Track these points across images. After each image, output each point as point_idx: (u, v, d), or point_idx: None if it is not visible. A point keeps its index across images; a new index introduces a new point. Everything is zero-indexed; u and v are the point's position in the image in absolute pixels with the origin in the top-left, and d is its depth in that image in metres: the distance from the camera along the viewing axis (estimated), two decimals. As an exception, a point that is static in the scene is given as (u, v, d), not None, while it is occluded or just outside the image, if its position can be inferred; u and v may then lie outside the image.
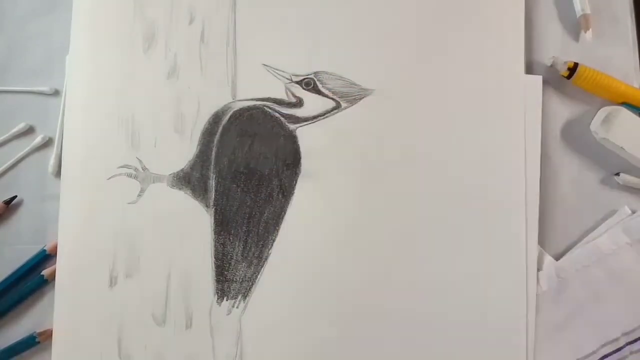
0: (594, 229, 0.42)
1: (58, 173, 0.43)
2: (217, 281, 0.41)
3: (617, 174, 0.42)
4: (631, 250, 0.40)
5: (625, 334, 0.39)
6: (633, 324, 0.39)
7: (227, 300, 0.41)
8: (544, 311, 0.40)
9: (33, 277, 0.43)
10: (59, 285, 0.42)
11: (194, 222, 0.42)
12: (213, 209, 0.42)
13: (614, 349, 0.39)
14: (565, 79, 0.42)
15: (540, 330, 0.39)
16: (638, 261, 0.40)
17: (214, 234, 0.41)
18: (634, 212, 0.41)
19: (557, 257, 0.41)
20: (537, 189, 0.41)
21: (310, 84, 0.42)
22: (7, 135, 0.45)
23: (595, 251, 0.40)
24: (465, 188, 0.41)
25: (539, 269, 0.40)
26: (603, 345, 0.39)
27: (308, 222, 0.41)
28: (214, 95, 0.43)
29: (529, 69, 0.43)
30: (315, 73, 0.43)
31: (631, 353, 0.39)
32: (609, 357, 0.39)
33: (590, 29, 0.43)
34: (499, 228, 0.41)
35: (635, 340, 0.39)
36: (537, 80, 0.43)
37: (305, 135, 0.42)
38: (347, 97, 0.42)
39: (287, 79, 0.43)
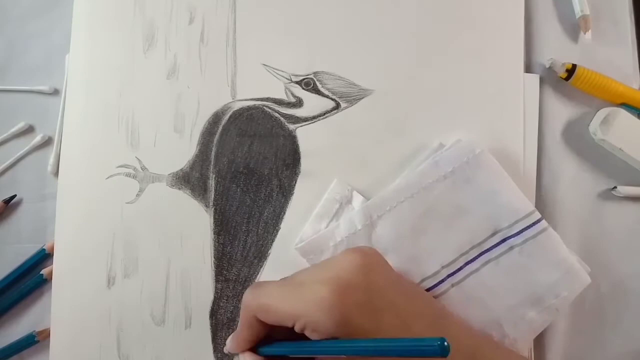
0: (593, 229, 0.42)
1: (57, 172, 0.43)
2: (217, 281, 0.41)
3: (614, 188, 0.42)
4: (444, 182, 0.39)
5: (445, 266, 0.38)
6: (451, 255, 0.39)
7: (226, 300, 0.41)
8: None
9: (32, 277, 0.43)
10: (56, 284, 0.42)
11: (193, 222, 0.42)
12: (212, 209, 0.42)
13: (436, 282, 0.38)
14: (563, 80, 0.42)
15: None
16: (452, 192, 0.39)
17: (214, 234, 0.41)
18: (442, 145, 0.40)
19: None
20: (534, 188, 0.41)
21: (310, 84, 0.42)
22: (6, 134, 0.45)
23: (408, 187, 0.39)
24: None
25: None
26: (424, 279, 0.38)
27: (308, 222, 0.41)
28: (214, 95, 0.43)
29: (528, 70, 0.43)
30: (315, 73, 0.43)
31: (452, 285, 0.38)
32: (430, 291, 0.38)
33: (590, 30, 0.43)
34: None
35: (455, 272, 0.38)
36: (535, 78, 0.43)
37: (305, 135, 0.42)
38: (347, 97, 0.42)
39: (287, 79, 0.43)
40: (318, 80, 0.42)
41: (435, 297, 0.38)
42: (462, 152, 0.39)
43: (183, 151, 0.42)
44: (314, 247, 0.40)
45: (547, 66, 0.43)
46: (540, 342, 0.40)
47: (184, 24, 0.44)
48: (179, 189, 0.42)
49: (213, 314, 0.41)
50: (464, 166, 0.39)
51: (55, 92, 0.45)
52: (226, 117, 0.42)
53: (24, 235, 0.44)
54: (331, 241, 0.39)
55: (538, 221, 0.38)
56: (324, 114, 0.42)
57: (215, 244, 0.41)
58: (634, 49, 0.44)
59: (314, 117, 0.42)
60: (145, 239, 0.42)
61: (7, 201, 0.44)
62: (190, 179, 0.42)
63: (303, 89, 0.42)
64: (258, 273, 0.41)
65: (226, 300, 0.41)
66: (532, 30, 0.44)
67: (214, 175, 0.42)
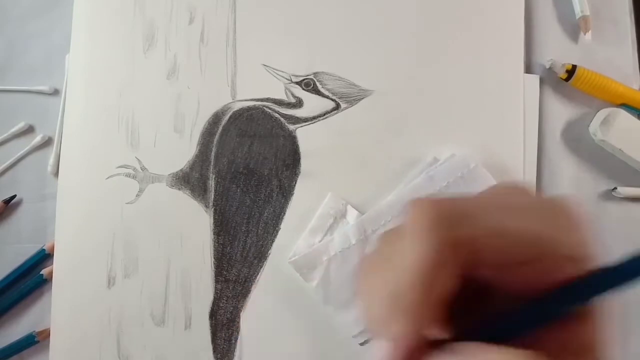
0: (592, 230, 0.42)
1: (57, 172, 0.43)
2: (216, 281, 0.41)
3: (615, 189, 0.42)
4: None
5: None
6: None
7: (226, 300, 0.41)
8: (352, 263, 0.39)
9: (32, 277, 0.43)
10: (56, 284, 0.42)
11: (193, 222, 0.42)
12: (212, 209, 0.42)
13: None
14: (563, 81, 0.42)
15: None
16: None
17: (213, 234, 0.41)
18: (436, 159, 0.40)
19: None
20: (534, 189, 0.41)
21: (310, 85, 0.42)
22: (6, 134, 0.45)
23: (402, 202, 0.39)
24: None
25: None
26: None
27: (307, 222, 0.41)
28: (214, 95, 0.43)
29: (528, 70, 0.43)
30: (315, 73, 0.43)
31: None
32: None
33: (590, 31, 0.43)
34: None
35: None
36: (535, 79, 0.43)
37: (305, 136, 0.42)
38: (347, 97, 0.42)
39: (287, 79, 0.43)
40: (318, 80, 0.42)
41: None
42: (456, 167, 0.39)
43: (183, 151, 0.42)
44: (308, 261, 0.39)
45: (547, 67, 0.43)
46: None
47: (184, 24, 0.44)
48: (179, 189, 0.42)
49: (213, 314, 0.41)
50: (458, 181, 0.39)
51: (55, 92, 0.45)
52: (226, 118, 0.42)
53: (24, 235, 0.44)
54: (325, 255, 0.39)
55: None
56: (324, 114, 0.42)
57: (215, 245, 0.41)
58: (634, 49, 0.44)
59: (314, 118, 0.42)
60: (145, 239, 0.42)
61: (7, 201, 0.44)
62: (190, 180, 0.42)
63: (303, 89, 0.42)
64: (258, 273, 0.41)
65: (226, 300, 0.41)
66: (532, 31, 0.44)
67: (213, 176, 0.42)
